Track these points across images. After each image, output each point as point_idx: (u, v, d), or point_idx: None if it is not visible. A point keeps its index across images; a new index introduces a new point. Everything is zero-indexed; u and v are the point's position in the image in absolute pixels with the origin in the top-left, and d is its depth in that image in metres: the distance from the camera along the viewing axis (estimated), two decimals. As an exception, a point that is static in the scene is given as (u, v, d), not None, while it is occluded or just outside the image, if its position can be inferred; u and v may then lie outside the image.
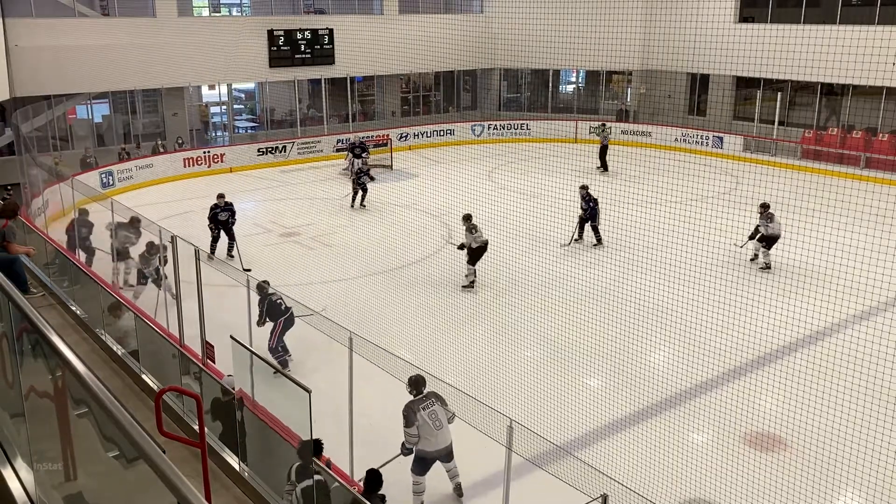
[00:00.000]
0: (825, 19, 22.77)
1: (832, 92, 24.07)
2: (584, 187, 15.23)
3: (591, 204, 14.98)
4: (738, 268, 12.87)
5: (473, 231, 12.88)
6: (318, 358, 9.96)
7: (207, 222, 14.65)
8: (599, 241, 15.15)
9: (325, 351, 9.16)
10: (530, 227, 14.50)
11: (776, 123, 23.94)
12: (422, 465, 7.27)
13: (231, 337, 6.49)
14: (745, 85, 25.91)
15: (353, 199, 18.58)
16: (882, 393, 8.65)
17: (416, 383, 7.23)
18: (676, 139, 25.55)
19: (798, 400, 8.38)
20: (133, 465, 2.64)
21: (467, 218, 13.11)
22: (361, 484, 6.81)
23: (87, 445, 3.44)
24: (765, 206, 14.07)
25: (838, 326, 10.92)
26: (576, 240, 15.23)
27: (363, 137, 23.63)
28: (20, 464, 3.59)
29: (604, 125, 23.88)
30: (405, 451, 7.23)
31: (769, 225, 13.87)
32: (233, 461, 6.13)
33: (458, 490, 7.44)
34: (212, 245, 14.51)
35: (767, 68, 22.40)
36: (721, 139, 24.79)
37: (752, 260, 14.31)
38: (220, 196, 14.65)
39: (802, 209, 17.14)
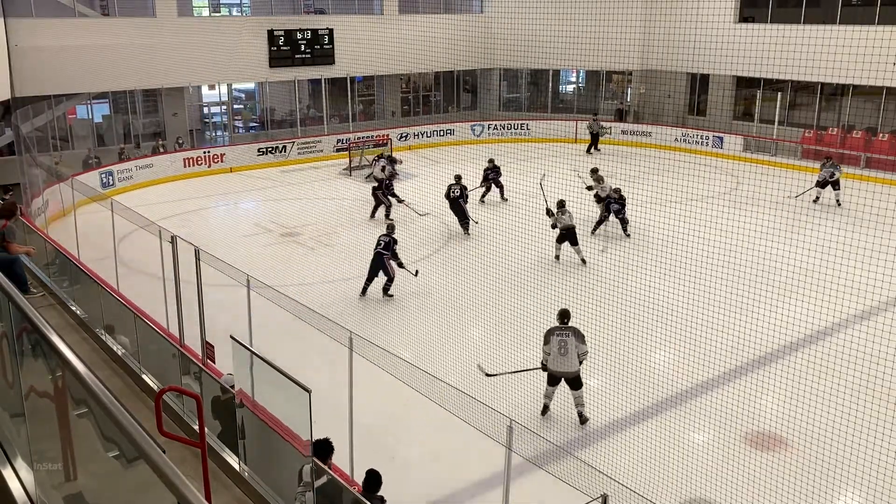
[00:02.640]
0: (825, 19, 22.76)
1: (833, 92, 24.07)
2: (616, 190, 15.80)
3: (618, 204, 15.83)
4: (738, 268, 12.85)
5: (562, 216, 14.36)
6: (318, 358, 9.95)
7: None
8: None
9: (325, 351, 9.15)
10: (530, 227, 14.48)
11: (776, 123, 23.94)
12: (550, 381, 8.93)
13: (231, 337, 6.48)
14: (745, 85, 25.90)
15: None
16: (882, 393, 8.65)
17: (561, 315, 8.94)
18: (676, 139, 25.55)
19: (799, 400, 8.38)
20: (133, 465, 2.64)
21: (561, 204, 14.37)
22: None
23: (87, 445, 3.44)
24: (829, 157, 17.39)
25: (838, 326, 10.92)
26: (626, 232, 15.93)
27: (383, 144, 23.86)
28: (20, 464, 3.59)
29: (594, 118, 26.24)
30: (543, 365, 8.88)
31: (839, 170, 17.27)
32: (233, 461, 6.12)
33: (581, 417, 8.81)
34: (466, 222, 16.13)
35: (767, 68, 22.40)
36: (721, 139, 24.79)
37: (814, 201, 17.42)
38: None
39: (802, 208, 17.19)
